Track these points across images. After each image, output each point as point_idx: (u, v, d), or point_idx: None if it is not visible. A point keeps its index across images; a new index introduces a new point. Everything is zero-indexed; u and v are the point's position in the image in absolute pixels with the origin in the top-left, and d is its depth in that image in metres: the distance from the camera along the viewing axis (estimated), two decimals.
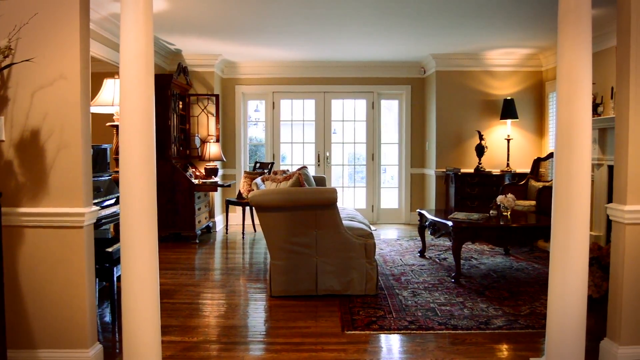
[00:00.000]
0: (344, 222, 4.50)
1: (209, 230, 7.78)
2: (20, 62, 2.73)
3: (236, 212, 8.30)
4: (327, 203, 4.29)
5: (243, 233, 7.39)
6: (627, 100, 2.88)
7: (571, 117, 2.70)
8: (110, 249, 3.65)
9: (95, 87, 3.98)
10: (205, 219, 7.53)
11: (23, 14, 2.75)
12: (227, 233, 7.69)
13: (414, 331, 3.60)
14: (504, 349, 3.32)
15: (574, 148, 2.70)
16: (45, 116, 2.82)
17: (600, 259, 3.61)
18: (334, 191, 4.31)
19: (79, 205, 2.85)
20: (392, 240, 7.09)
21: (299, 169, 5.60)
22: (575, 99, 2.68)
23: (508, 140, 7.66)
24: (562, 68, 2.71)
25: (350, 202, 8.82)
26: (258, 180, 5.05)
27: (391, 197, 8.96)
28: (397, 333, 3.58)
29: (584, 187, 2.71)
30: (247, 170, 8.56)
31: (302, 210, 4.30)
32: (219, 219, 8.18)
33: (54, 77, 2.81)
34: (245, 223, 7.49)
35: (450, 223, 5.00)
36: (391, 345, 3.44)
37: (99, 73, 4.75)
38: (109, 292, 3.83)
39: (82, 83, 2.85)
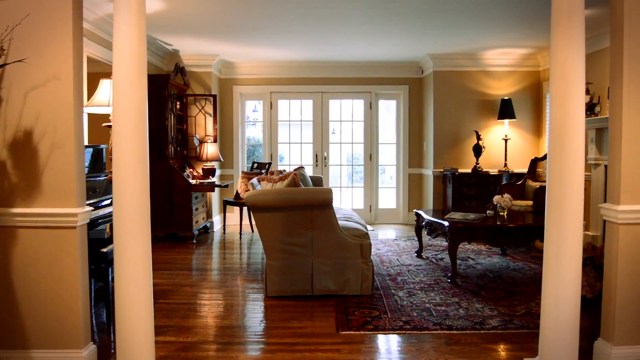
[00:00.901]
0: (340, 222, 4.50)
1: (207, 230, 7.77)
2: (13, 63, 2.73)
3: (234, 213, 8.30)
4: (322, 203, 4.29)
5: (240, 233, 7.39)
6: (620, 99, 2.88)
7: (564, 117, 2.69)
8: (105, 249, 3.65)
9: (93, 88, 3.99)
10: (203, 219, 7.52)
11: (15, 14, 2.75)
12: (224, 233, 7.69)
13: (409, 331, 3.60)
14: (499, 349, 3.32)
15: (567, 148, 2.69)
16: (39, 116, 2.82)
17: (594, 259, 3.60)
18: (329, 191, 4.31)
19: (72, 206, 2.86)
20: (389, 241, 7.09)
21: (295, 169, 5.60)
22: (568, 100, 2.68)
23: (505, 140, 7.65)
24: (556, 68, 2.70)
25: (348, 202, 8.81)
26: (254, 180, 5.05)
27: (389, 197, 8.95)
28: (392, 333, 3.58)
29: (577, 187, 2.71)
30: (245, 170, 8.56)
31: (297, 211, 4.30)
32: (216, 219, 8.17)
33: (47, 77, 2.81)
34: (243, 223, 7.50)
35: (446, 223, 5.00)
36: (386, 345, 3.44)
37: (96, 73, 4.75)
38: (104, 293, 3.83)
39: (75, 83, 2.85)
